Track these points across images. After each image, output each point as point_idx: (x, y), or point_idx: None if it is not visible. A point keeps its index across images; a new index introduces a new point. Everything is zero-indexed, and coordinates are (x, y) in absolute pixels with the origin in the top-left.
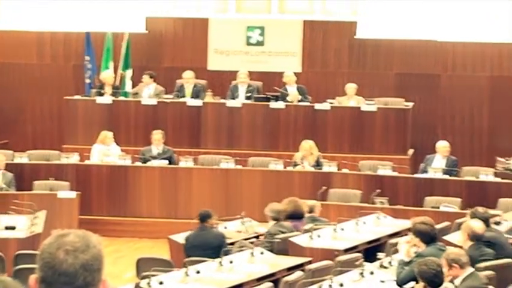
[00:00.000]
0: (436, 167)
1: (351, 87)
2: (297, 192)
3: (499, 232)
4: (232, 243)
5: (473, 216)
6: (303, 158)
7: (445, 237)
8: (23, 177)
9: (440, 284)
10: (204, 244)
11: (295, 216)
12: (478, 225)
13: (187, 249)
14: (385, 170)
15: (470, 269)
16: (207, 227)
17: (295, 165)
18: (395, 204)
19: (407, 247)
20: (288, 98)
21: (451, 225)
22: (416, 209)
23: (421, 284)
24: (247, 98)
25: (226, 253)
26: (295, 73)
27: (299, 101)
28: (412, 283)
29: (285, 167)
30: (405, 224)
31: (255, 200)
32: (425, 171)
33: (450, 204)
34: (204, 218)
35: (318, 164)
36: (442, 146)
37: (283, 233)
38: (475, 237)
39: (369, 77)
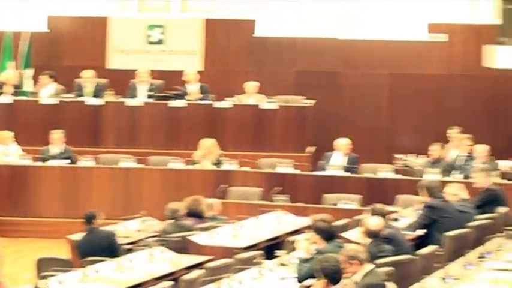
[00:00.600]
0: (336, 164)
1: (251, 86)
2: (198, 191)
3: (397, 229)
4: (132, 243)
5: (372, 213)
6: (203, 156)
7: (344, 234)
8: None
9: (339, 280)
10: (94, 248)
11: (195, 214)
12: (374, 222)
13: (81, 256)
14: (285, 167)
15: (369, 266)
16: (94, 229)
17: (196, 163)
18: (295, 202)
19: (307, 244)
20: (188, 97)
21: (350, 222)
22: (316, 206)
23: (321, 280)
24: (149, 96)
25: (126, 252)
26: (198, 72)
27: (200, 100)
28: (312, 280)
29: (185, 166)
30: (305, 221)
31: (155, 199)
32: (324, 168)
33: (349, 201)
34: (89, 219)
35: (218, 162)
36: (343, 143)
37: (180, 231)
38: (371, 234)
39: (269, 75)
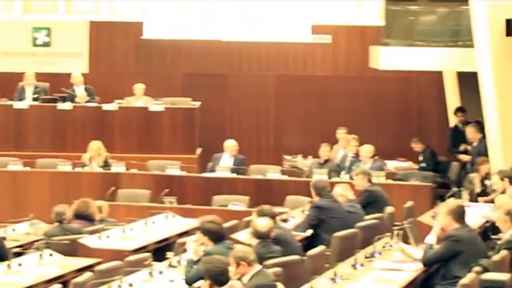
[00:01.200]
0: (224, 165)
1: (138, 88)
2: (86, 193)
3: (286, 229)
4: (21, 246)
5: (260, 214)
6: (91, 158)
7: (234, 236)
8: None
9: (226, 282)
10: None
11: (84, 217)
12: (263, 224)
13: None
14: (174, 169)
15: (258, 267)
16: None
17: (84, 166)
18: (184, 204)
19: (195, 246)
20: (75, 99)
21: (239, 223)
22: (204, 207)
23: (207, 282)
24: (35, 99)
25: (15, 256)
26: (83, 74)
27: (87, 102)
28: (201, 281)
29: (73, 168)
30: (194, 223)
31: (44, 202)
32: (213, 170)
33: (238, 203)
34: None
35: (106, 165)
36: (230, 144)
37: (66, 234)
38: (260, 235)
39: (156, 77)
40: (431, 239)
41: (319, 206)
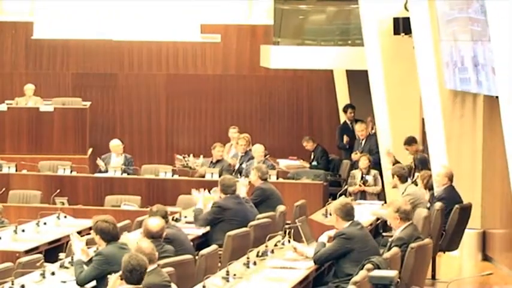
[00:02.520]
0: (114, 165)
1: (28, 88)
2: None
3: (179, 229)
4: None
5: (152, 214)
6: None
7: (126, 235)
8: None
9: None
10: None
11: None
12: (154, 223)
13: None
14: (65, 170)
15: (152, 266)
16: None
17: None
18: (75, 204)
19: (83, 246)
20: None
21: (131, 223)
22: (97, 208)
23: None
24: None
25: None
26: None
27: None
28: (93, 282)
29: None
30: (86, 223)
31: None
32: (105, 170)
33: (130, 203)
34: None
35: None
36: (114, 144)
37: None
38: (152, 235)
39: (46, 77)
40: (323, 237)
41: (220, 206)
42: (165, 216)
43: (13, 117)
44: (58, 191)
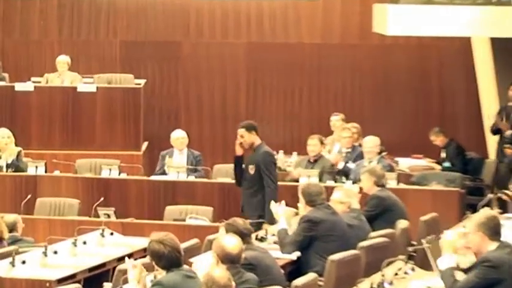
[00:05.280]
0: (177, 165)
1: (62, 61)
2: None
3: (264, 251)
4: None
5: (229, 230)
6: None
7: (193, 259)
8: None
9: None
10: None
11: None
12: (231, 243)
13: None
14: (111, 171)
15: None
16: None
17: None
18: (125, 217)
19: (138, 273)
20: None
21: (200, 243)
22: (154, 222)
23: None
24: None
25: None
26: None
27: None
28: None
29: None
30: (140, 243)
31: None
32: (163, 171)
33: (199, 216)
34: None
35: (18, 164)
36: (178, 137)
37: None
38: (227, 259)
39: (86, 46)
40: (449, 260)
41: (312, 219)
42: (245, 234)
43: (42, 100)
44: (102, 199)
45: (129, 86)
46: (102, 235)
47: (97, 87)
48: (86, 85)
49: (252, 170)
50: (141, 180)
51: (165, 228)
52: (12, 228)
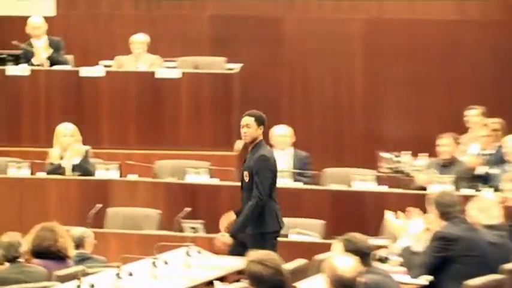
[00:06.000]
0: (279, 169)
1: (138, 41)
2: (54, 214)
3: (386, 274)
4: None
5: (345, 248)
6: (62, 155)
7: (300, 284)
8: None
9: None
10: None
11: (50, 254)
12: (347, 265)
13: None
14: (199, 175)
15: None
16: None
17: (51, 169)
18: (215, 232)
19: None
20: (35, 59)
21: (308, 264)
22: None
23: None
24: None
25: None
26: (46, 18)
27: (52, 64)
28: None
29: (32, 173)
30: (234, 263)
31: None
32: None
33: (306, 231)
34: None
35: (86, 166)
36: (280, 134)
37: (25, 280)
38: (343, 283)
39: (167, 22)
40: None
41: (446, 236)
42: (365, 254)
43: (114, 88)
44: (187, 209)
45: (220, 72)
46: (188, 254)
47: (182, 73)
48: (167, 70)
49: (246, 177)
50: (235, 187)
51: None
52: (79, 244)
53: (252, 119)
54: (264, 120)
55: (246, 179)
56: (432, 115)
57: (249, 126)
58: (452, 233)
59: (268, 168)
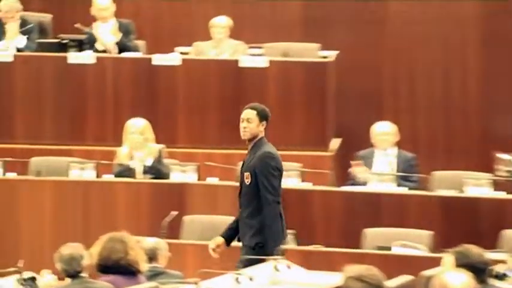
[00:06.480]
0: (381, 171)
1: (220, 25)
2: (123, 223)
3: None
4: None
5: (457, 262)
6: (131, 155)
7: None
8: None
9: None
10: None
11: (118, 268)
12: (460, 282)
13: None
14: (288, 178)
15: None
16: None
17: (119, 170)
18: (307, 243)
19: None
20: (99, 45)
21: (414, 280)
22: (348, 251)
23: None
24: (21, 48)
25: None
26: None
27: (121, 50)
28: None
29: (98, 175)
30: (329, 280)
31: (42, 239)
32: (360, 180)
33: (412, 243)
34: None
35: (158, 167)
36: (382, 131)
37: None
38: None
39: (253, 3)
40: None
41: None
42: (480, 270)
43: (191, 78)
44: None
45: (313, 60)
46: (276, 268)
47: (270, 61)
48: (252, 58)
49: (248, 179)
50: (330, 192)
51: (364, 259)
52: (152, 256)
53: (254, 112)
54: (268, 116)
55: (247, 181)
56: None
57: (249, 121)
58: None
59: (276, 166)
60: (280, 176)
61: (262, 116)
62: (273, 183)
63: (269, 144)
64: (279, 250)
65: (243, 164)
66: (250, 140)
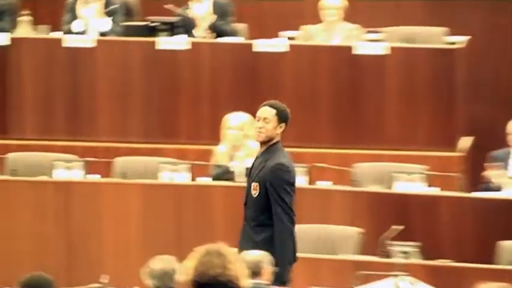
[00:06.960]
0: None
1: (331, 6)
2: (220, 233)
3: None
4: None
5: None
6: (231, 153)
7: None
8: None
9: None
10: None
11: (215, 285)
12: None
13: None
14: (412, 182)
15: None
16: None
17: (218, 172)
18: (434, 257)
19: None
20: (196, 30)
21: None
22: (480, 266)
23: None
24: (105, 33)
25: None
26: None
27: (218, 35)
28: None
29: (193, 178)
30: None
31: (130, 251)
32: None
33: None
34: None
35: None
36: None
37: None
38: None
39: None
40: None
41: None
42: None
43: (300, 67)
44: (397, 228)
45: (440, 47)
46: (397, 286)
47: (389, 48)
48: (369, 44)
49: (255, 190)
50: (459, 199)
51: (499, 275)
52: (255, 271)
53: (273, 111)
54: (288, 118)
55: (255, 192)
56: None
57: (266, 121)
58: None
59: (289, 181)
60: (294, 191)
61: (282, 117)
62: (286, 198)
63: (284, 152)
64: (288, 276)
65: (250, 169)
66: (264, 142)
